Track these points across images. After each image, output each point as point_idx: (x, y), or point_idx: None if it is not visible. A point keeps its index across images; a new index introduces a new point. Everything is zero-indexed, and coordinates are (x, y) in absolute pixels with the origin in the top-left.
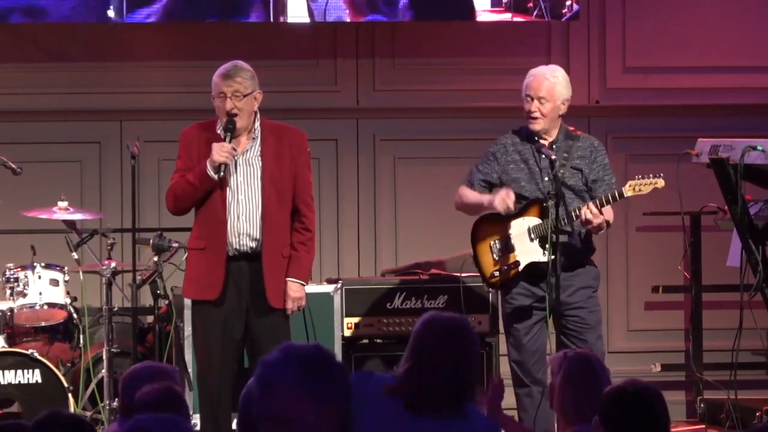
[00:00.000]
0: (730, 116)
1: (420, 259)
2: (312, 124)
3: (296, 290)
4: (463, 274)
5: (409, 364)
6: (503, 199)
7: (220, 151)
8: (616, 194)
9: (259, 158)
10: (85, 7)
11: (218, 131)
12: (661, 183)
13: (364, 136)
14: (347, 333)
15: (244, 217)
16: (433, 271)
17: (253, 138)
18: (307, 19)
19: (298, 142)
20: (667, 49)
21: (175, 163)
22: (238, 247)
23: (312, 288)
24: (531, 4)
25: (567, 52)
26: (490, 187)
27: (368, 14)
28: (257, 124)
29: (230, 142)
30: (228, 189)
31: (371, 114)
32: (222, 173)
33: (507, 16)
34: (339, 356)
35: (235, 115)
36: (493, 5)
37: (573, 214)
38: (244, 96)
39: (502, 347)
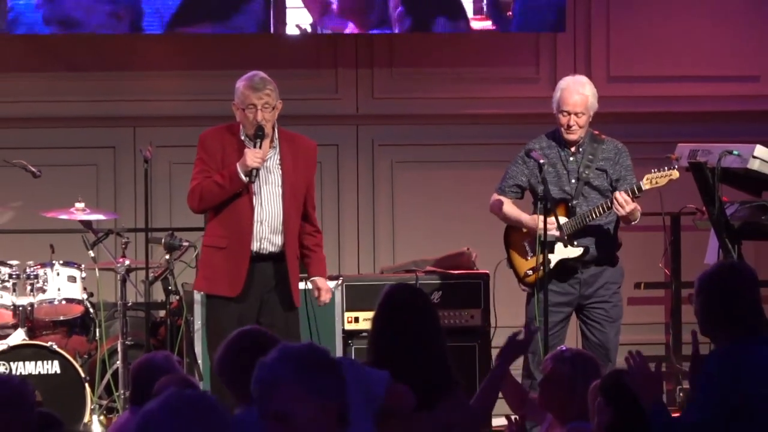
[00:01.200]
0: (708, 122)
1: (416, 258)
2: (314, 130)
3: (324, 283)
4: (457, 272)
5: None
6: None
7: (253, 157)
8: (635, 188)
9: (279, 167)
10: (111, 19)
11: (242, 138)
12: (675, 174)
13: (363, 142)
14: (348, 326)
15: (267, 222)
16: (429, 268)
17: (273, 147)
18: (309, 31)
19: (311, 153)
20: (649, 59)
21: (188, 165)
22: (257, 250)
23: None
24: (510, 13)
25: (554, 63)
26: (521, 190)
27: (368, 27)
28: (276, 133)
29: (260, 148)
30: (251, 195)
31: (370, 120)
32: (253, 177)
33: (488, 24)
34: (340, 348)
35: (264, 125)
36: (475, 13)
37: (604, 205)
38: (272, 108)
39: (495, 340)
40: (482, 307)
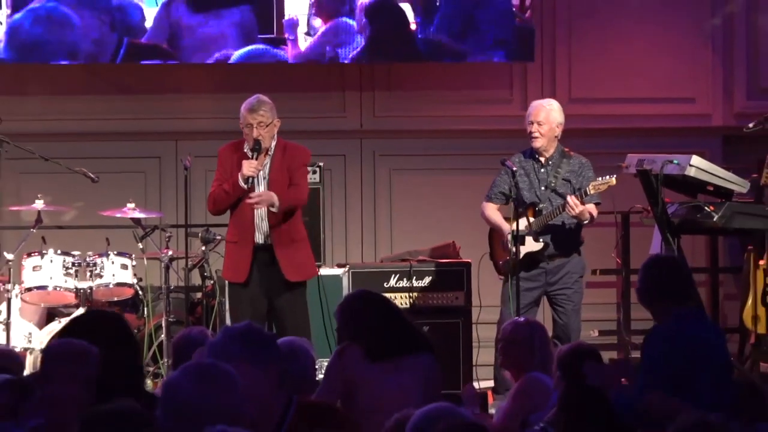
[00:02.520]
0: (652, 137)
1: (410, 249)
2: (325, 143)
3: (267, 193)
4: (445, 260)
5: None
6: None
7: (248, 167)
8: (582, 193)
9: (269, 174)
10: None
11: (246, 151)
12: (613, 181)
13: (366, 153)
14: None
15: (264, 218)
16: (420, 257)
17: (269, 156)
18: (323, 61)
19: (298, 156)
20: (604, 84)
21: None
22: (261, 241)
23: (325, 271)
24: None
25: (525, 87)
26: (505, 197)
27: (371, 57)
28: (273, 144)
29: (256, 159)
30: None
31: (372, 135)
32: (250, 183)
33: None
34: None
35: (260, 140)
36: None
37: (560, 207)
38: (267, 125)
39: (474, 316)
40: (465, 290)
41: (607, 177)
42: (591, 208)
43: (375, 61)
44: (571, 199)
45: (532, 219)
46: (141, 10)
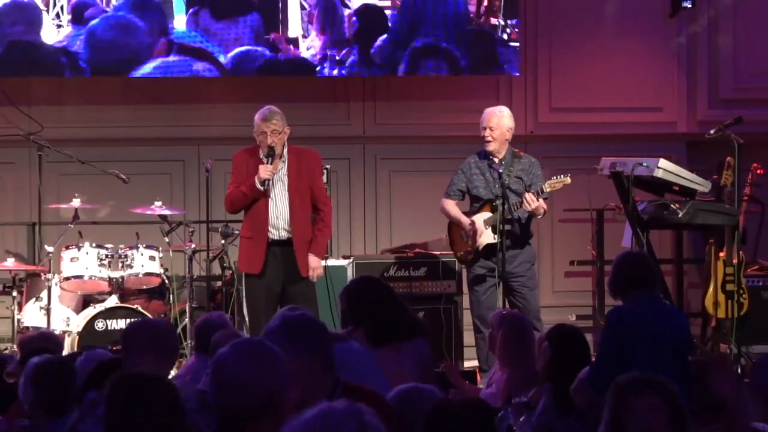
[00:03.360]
0: (624, 142)
1: (408, 242)
2: (331, 147)
3: (314, 262)
4: (438, 252)
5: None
6: (473, 232)
7: (265, 171)
8: (539, 190)
9: (287, 176)
10: (180, 66)
11: (260, 156)
12: (568, 180)
13: (368, 156)
14: None
15: (281, 217)
16: (417, 250)
17: (283, 161)
18: (330, 74)
19: (313, 161)
20: (581, 95)
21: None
22: (276, 237)
23: (332, 262)
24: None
25: (510, 97)
26: (462, 193)
27: (372, 71)
28: (285, 150)
29: (270, 164)
30: (269, 197)
31: (373, 141)
32: (266, 186)
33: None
34: None
35: (274, 146)
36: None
37: (517, 204)
38: (279, 133)
39: (464, 303)
40: (456, 279)
41: (562, 176)
42: (543, 203)
43: (370, 74)
44: (528, 196)
45: (488, 215)
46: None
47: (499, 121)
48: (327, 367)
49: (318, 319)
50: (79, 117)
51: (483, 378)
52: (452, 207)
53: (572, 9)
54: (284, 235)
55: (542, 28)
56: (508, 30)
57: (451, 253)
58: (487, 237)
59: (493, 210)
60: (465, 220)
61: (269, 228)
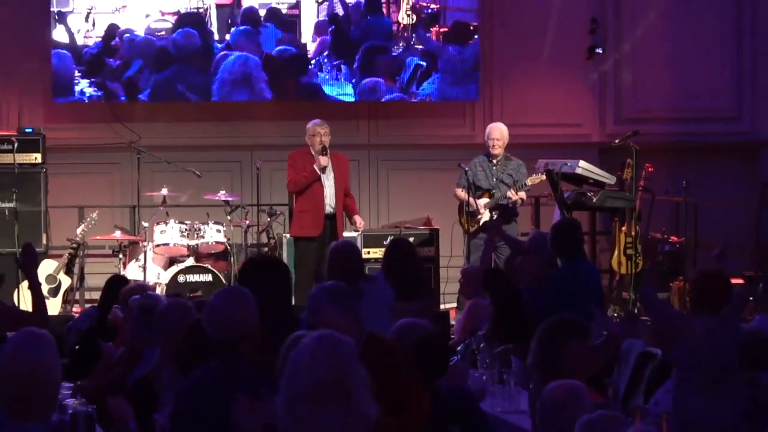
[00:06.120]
0: (554, 148)
1: (400, 220)
2: (345, 152)
3: (358, 219)
4: (421, 227)
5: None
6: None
7: (324, 160)
8: (523, 184)
9: (332, 170)
10: (234, 90)
11: (312, 153)
12: (543, 177)
13: (372, 159)
14: (365, 256)
15: (329, 197)
16: (407, 225)
17: (328, 158)
18: (348, 99)
19: (344, 162)
20: (523, 114)
21: (281, 172)
22: (327, 212)
23: (346, 234)
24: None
25: (473, 116)
26: (468, 184)
27: (375, 95)
28: (328, 150)
29: (325, 157)
30: (321, 182)
31: (376, 148)
32: (321, 172)
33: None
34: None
35: (325, 145)
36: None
37: (507, 193)
38: (327, 135)
39: (441, 263)
40: (435, 245)
41: (540, 174)
42: (523, 194)
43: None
44: (510, 191)
45: (488, 199)
46: None
47: (502, 133)
48: (357, 319)
49: (348, 288)
50: (166, 130)
51: (456, 314)
52: (462, 193)
53: (518, 52)
54: (330, 210)
55: (496, 65)
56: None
57: (432, 227)
58: (485, 216)
59: (491, 196)
60: (471, 200)
61: (325, 204)
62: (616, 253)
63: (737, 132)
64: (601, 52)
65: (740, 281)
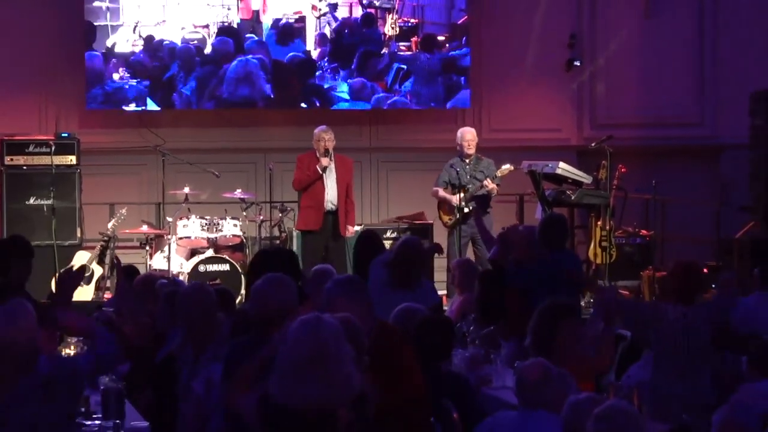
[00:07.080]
0: (536, 151)
1: (398, 215)
2: (349, 155)
3: (351, 229)
4: (417, 221)
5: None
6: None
7: (326, 161)
8: (494, 176)
9: (334, 171)
10: (250, 97)
11: (317, 156)
12: (511, 167)
13: (373, 160)
14: None
15: (331, 195)
16: (404, 219)
17: (331, 160)
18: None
19: (348, 164)
20: (509, 120)
21: (290, 173)
22: (328, 209)
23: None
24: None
25: (464, 122)
26: (446, 183)
27: (365, 92)
28: (332, 153)
29: (327, 159)
30: (323, 182)
31: (376, 150)
32: (324, 173)
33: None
34: None
35: (329, 149)
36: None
37: (479, 187)
38: (332, 141)
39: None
40: (428, 237)
41: (508, 165)
42: (495, 187)
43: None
44: (486, 181)
45: (464, 194)
46: None
47: (474, 136)
48: (369, 309)
49: (362, 280)
50: (188, 134)
51: (448, 301)
52: (441, 192)
53: (504, 65)
54: (331, 207)
55: (484, 77)
56: (462, 78)
57: (425, 221)
58: (463, 209)
59: (466, 191)
60: (450, 197)
61: (325, 201)
62: (592, 245)
63: (700, 136)
64: (578, 64)
65: (704, 271)
